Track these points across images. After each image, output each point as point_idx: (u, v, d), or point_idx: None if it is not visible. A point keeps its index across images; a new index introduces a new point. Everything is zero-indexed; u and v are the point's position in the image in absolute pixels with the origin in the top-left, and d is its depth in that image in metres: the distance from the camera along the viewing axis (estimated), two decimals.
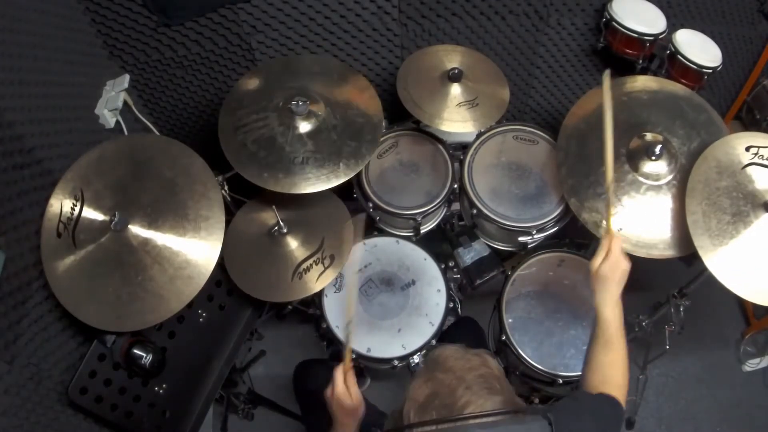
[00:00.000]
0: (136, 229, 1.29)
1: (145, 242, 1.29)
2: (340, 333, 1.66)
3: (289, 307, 1.99)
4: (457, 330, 1.76)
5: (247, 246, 1.61)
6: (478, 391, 0.74)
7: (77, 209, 1.29)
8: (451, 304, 1.73)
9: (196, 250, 1.32)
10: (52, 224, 1.27)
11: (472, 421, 0.69)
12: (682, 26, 1.84)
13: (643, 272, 2.22)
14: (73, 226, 1.28)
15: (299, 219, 1.63)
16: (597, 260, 1.15)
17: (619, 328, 1.09)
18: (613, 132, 1.26)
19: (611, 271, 1.13)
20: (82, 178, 1.33)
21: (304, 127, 1.54)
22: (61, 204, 1.29)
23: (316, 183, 1.50)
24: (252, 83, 1.66)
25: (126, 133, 1.71)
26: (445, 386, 0.75)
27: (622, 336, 1.09)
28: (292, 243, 1.60)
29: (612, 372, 1.04)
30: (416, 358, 1.64)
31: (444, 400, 0.74)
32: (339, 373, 1.12)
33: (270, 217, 1.60)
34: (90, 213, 1.30)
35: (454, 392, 0.74)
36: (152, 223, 1.30)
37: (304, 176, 1.50)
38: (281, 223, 1.57)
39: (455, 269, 1.89)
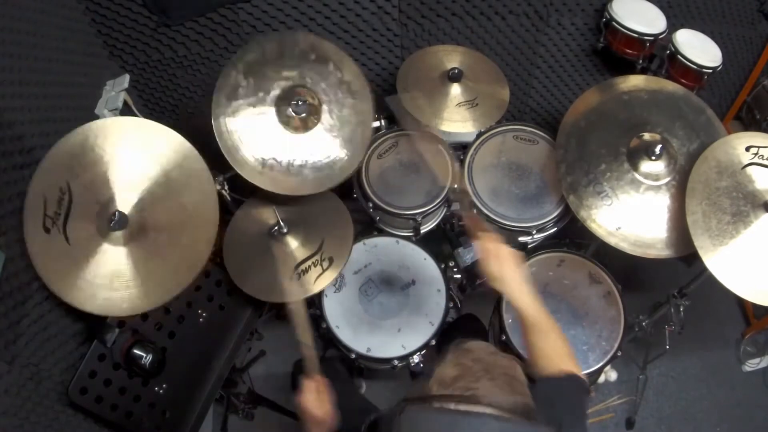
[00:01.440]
0: (133, 226, 1.28)
1: (143, 239, 1.29)
2: (340, 333, 1.66)
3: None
4: (459, 327, 1.76)
5: (248, 246, 1.61)
6: (501, 385, 0.76)
7: (67, 205, 1.27)
8: (451, 304, 1.73)
9: (195, 249, 1.32)
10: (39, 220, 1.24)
11: (489, 410, 0.71)
12: (682, 26, 1.84)
13: (643, 272, 2.26)
14: (62, 221, 1.26)
15: (299, 219, 1.62)
16: (484, 266, 1.18)
17: (539, 309, 1.12)
18: None
19: (500, 267, 1.16)
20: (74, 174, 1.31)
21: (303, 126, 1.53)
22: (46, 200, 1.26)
23: (316, 184, 1.50)
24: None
25: None
26: (472, 373, 0.78)
27: (545, 313, 1.12)
28: (292, 243, 1.59)
29: (556, 349, 1.07)
30: (416, 358, 1.64)
31: (468, 384, 0.76)
32: (309, 383, 1.17)
33: (270, 216, 1.60)
34: (84, 209, 1.28)
35: (479, 380, 0.76)
36: (149, 221, 1.30)
37: (304, 178, 1.49)
38: (281, 223, 1.57)
39: (455, 269, 1.88)
